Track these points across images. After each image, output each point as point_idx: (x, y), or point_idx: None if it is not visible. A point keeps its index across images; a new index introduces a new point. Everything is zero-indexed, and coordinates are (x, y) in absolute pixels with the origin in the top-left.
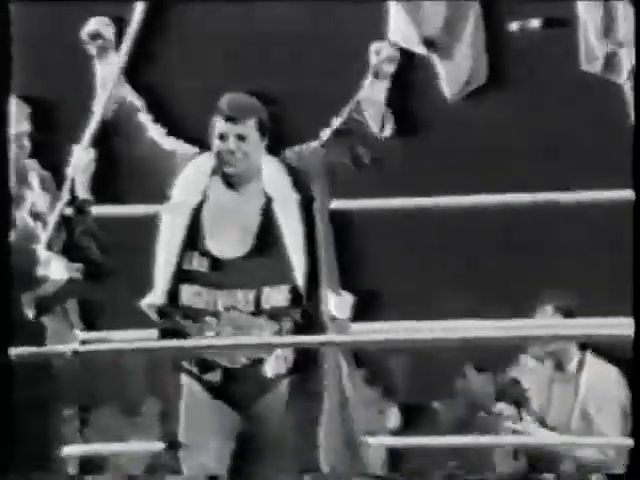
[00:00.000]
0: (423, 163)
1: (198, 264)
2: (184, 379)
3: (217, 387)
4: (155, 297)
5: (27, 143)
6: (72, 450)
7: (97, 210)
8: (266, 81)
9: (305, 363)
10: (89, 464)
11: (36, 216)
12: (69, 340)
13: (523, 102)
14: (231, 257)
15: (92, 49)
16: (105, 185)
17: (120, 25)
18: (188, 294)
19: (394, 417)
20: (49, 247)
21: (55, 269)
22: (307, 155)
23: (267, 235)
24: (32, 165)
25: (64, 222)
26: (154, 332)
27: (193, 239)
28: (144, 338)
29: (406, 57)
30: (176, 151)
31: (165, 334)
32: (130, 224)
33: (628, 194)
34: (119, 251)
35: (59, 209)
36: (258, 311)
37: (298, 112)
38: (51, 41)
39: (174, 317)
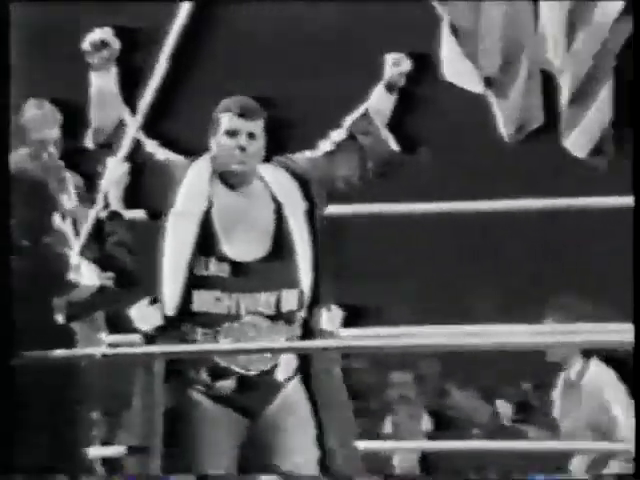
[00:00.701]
0: (432, 173)
1: (217, 269)
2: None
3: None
4: (165, 308)
5: (53, 149)
6: (99, 452)
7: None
8: (262, 85)
9: (304, 367)
10: (115, 465)
11: (69, 220)
12: (97, 344)
13: None
14: (248, 260)
15: (94, 59)
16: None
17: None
18: (203, 300)
19: (425, 421)
20: (82, 254)
21: (86, 275)
22: (306, 163)
23: (282, 238)
24: (64, 168)
25: (97, 230)
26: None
27: (203, 245)
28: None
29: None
30: (171, 161)
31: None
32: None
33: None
34: (149, 258)
35: (92, 217)
36: (277, 315)
37: (293, 119)
38: (52, 42)
39: (183, 327)
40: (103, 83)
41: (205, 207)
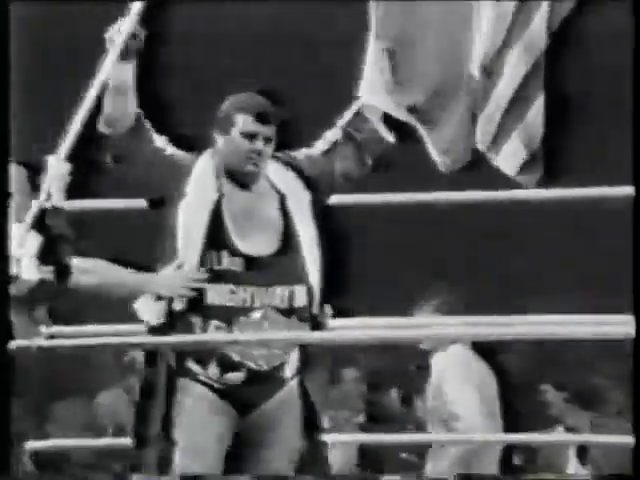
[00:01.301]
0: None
1: (230, 263)
2: (181, 380)
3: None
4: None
5: None
6: (32, 445)
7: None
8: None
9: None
10: (49, 459)
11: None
12: (36, 336)
13: None
14: (260, 255)
15: (120, 48)
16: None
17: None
18: (217, 293)
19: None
20: (23, 247)
21: (27, 269)
22: (305, 160)
23: (290, 233)
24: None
25: (38, 224)
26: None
27: (215, 239)
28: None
29: None
30: (178, 156)
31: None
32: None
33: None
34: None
35: (33, 211)
36: (290, 310)
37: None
38: (51, 41)
39: (193, 319)
40: (122, 73)
41: (216, 197)
